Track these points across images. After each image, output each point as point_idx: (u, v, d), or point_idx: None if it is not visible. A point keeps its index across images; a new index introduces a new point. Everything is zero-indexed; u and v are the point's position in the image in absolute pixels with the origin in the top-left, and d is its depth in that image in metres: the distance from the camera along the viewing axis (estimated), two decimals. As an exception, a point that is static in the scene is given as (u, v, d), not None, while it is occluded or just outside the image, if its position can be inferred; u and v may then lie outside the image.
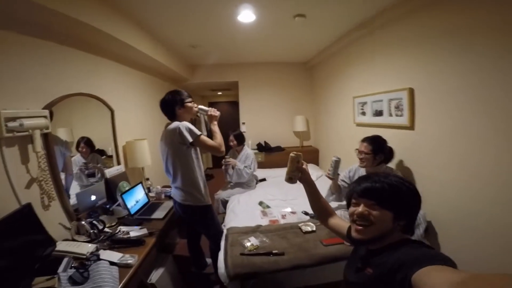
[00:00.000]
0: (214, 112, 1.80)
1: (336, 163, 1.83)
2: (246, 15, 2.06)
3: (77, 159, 1.86)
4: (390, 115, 2.09)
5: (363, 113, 2.51)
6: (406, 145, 1.96)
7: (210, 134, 1.79)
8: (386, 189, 0.79)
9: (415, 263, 0.63)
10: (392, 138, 2.11)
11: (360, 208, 0.81)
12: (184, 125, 1.59)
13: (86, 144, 1.91)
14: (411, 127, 1.87)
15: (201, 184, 1.72)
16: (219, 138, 1.69)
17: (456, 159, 1.54)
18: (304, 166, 1.12)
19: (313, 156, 3.87)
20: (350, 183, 2.00)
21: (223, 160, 2.80)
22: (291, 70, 3.99)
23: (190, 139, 1.58)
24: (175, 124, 1.61)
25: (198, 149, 1.74)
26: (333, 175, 1.87)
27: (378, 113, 2.25)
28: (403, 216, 0.79)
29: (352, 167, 2.06)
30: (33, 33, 1.44)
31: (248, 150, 2.98)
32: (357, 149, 1.89)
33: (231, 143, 2.88)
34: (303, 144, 4.07)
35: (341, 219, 1.10)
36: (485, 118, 1.34)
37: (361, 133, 2.60)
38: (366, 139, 1.86)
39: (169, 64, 2.89)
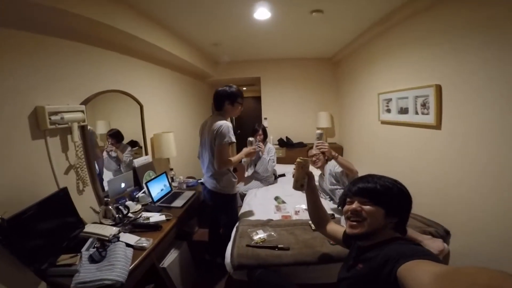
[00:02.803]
0: (253, 150, 1.96)
1: (320, 136, 1.95)
2: (262, 13, 2.07)
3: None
4: (416, 113, 1.96)
5: (388, 111, 2.37)
6: (432, 146, 1.83)
7: (235, 129, 1.96)
8: (378, 188, 0.85)
9: (401, 257, 0.66)
10: (417, 137, 2.00)
11: (354, 205, 0.87)
12: (228, 124, 1.73)
13: (112, 136, 2.07)
14: (437, 126, 1.74)
15: (230, 176, 1.90)
16: (231, 162, 1.78)
17: (483, 160, 1.40)
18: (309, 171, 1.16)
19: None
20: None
21: (256, 143, 2.81)
22: (315, 65, 3.88)
23: (216, 142, 1.73)
24: (221, 123, 1.73)
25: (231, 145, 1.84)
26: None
27: (404, 111, 2.12)
28: (394, 214, 0.84)
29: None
30: (73, 38, 1.63)
31: (270, 145, 3.06)
32: (309, 156, 2.39)
33: (258, 137, 2.94)
34: (327, 141, 3.97)
35: (337, 225, 1.11)
36: None
37: (385, 131, 2.49)
38: (313, 146, 2.38)
39: (194, 62, 3.03)
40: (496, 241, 1.33)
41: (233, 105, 1.84)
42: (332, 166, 2.23)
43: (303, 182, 1.14)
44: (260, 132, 2.95)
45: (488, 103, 1.36)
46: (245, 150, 1.97)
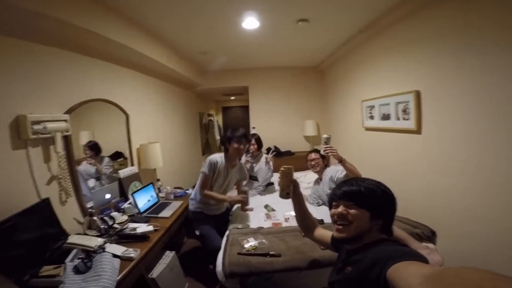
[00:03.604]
0: (243, 199, 2.10)
1: (328, 140, 1.93)
2: (250, 22, 2.12)
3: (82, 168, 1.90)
4: (398, 118, 2.05)
5: (371, 117, 2.47)
6: (413, 150, 1.91)
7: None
8: (362, 191, 0.86)
9: (388, 259, 0.66)
10: (399, 142, 2.08)
11: (340, 209, 0.88)
12: (211, 159, 1.98)
13: (91, 148, 1.97)
14: (418, 131, 1.82)
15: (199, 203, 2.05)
16: (205, 194, 1.98)
17: (461, 163, 1.49)
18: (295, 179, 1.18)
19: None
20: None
21: (249, 156, 2.86)
22: (301, 74, 3.99)
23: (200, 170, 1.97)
24: (211, 155, 2.03)
25: (218, 179, 2.02)
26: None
27: (386, 117, 2.21)
28: (380, 216, 0.85)
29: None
30: (57, 44, 1.61)
31: (265, 155, 3.01)
32: (308, 160, 2.46)
33: (252, 147, 2.91)
34: (314, 148, 4.04)
35: (324, 229, 1.13)
36: (492, 121, 1.29)
37: (369, 137, 2.57)
38: (313, 151, 2.55)
39: (182, 71, 3.03)
40: (479, 240, 1.39)
41: (230, 144, 2.02)
42: (334, 172, 2.21)
43: (289, 190, 1.15)
44: (253, 141, 2.93)
45: (465, 107, 1.45)
46: (235, 197, 2.12)
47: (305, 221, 1.24)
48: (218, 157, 2.00)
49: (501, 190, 1.27)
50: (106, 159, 2.14)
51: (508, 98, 1.21)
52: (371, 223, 0.84)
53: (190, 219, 2.14)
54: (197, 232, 2.05)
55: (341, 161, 1.88)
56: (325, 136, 1.91)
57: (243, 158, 2.80)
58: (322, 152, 1.96)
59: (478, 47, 1.34)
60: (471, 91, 1.40)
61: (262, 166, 2.91)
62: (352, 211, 0.85)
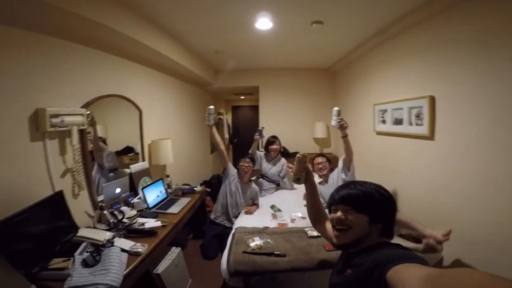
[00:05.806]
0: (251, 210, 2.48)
1: (339, 112, 2.12)
2: (263, 23, 2.12)
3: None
4: (410, 124, 2.00)
5: (383, 121, 2.42)
6: (425, 156, 1.87)
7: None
8: (360, 195, 0.86)
9: (389, 262, 0.66)
10: (411, 148, 2.03)
11: (338, 214, 0.87)
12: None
13: None
14: (430, 137, 1.78)
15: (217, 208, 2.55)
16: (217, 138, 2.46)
17: (472, 169, 1.45)
18: (309, 167, 1.20)
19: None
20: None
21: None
22: (313, 76, 3.96)
23: None
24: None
25: (231, 187, 2.53)
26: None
27: (398, 122, 2.17)
28: (379, 220, 0.84)
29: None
30: (77, 40, 1.65)
31: (284, 159, 3.14)
32: (315, 164, 2.52)
33: (275, 146, 3.04)
34: (323, 151, 4.01)
35: None
36: (505, 128, 1.26)
37: (380, 142, 2.53)
38: (320, 155, 2.64)
39: (195, 69, 3.07)
40: (487, 245, 1.36)
41: (238, 165, 2.58)
42: (336, 172, 2.39)
43: (300, 176, 1.20)
44: (278, 142, 3.07)
45: (478, 113, 1.41)
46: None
47: (316, 211, 1.23)
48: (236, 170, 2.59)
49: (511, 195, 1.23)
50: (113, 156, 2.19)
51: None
52: (370, 227, 0.83)
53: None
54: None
55: (345, 136, 2.09)
56: (336, 108, 2.09)
57: (257, 152, 3.03)
58: (333, 123, 2.10)
59: (492, 53, 1.31)
60: (485, 97, 1.37)
61: (276, 168, 3.04)
62: (350, 216, 0.84)
